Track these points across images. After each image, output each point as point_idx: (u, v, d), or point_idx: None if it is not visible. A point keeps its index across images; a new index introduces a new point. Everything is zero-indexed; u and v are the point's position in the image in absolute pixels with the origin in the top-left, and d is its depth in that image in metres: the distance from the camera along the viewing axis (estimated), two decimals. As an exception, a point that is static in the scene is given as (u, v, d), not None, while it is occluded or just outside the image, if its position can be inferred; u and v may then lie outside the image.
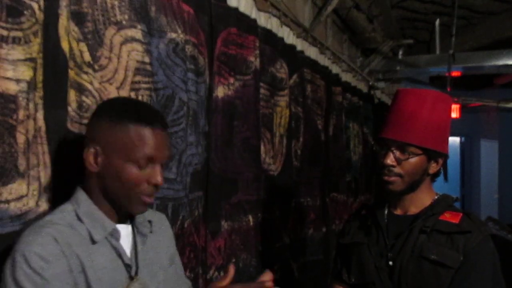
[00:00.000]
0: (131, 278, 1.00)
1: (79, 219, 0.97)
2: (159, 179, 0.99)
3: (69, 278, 0.90)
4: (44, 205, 1.08)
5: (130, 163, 0.96)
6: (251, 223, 2.05)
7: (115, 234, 1.00)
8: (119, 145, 0.96)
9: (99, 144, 0.97)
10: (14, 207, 1.02)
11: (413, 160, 1.27)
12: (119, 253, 1.00)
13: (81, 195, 1.00)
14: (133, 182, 0.97)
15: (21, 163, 1.04)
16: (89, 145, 0.98)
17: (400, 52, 4.95)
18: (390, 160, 1.27)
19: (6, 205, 1.00)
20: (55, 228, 0.92)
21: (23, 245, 0.88)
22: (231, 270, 1.06)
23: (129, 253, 1.03)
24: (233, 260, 1.92)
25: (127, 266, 1.01)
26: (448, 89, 4.40)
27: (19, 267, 0.86)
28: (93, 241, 0.96)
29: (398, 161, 1.27)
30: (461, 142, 8.13)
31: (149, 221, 1.10)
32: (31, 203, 1.06)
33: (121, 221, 1.04)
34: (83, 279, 0.92)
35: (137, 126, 0.96)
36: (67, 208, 0.99)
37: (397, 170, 1.27)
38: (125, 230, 1.04)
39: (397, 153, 1.27)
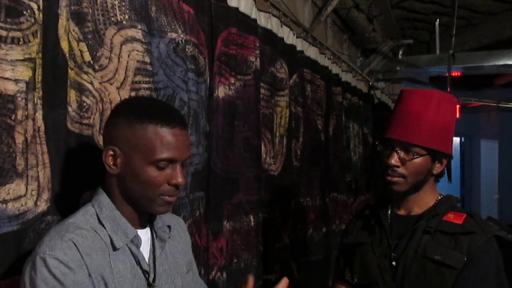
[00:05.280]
0: (150, 285, 0.98)
1: (101, 223, 0.95)
2: (179, 179, 0.96)
3: (89, 286, 0.88)
4: (42, 205, 1.07)
5: (150, 165, 0.93)
6: (252, 223, 2.05)
7: (136, 241, 0.98)
8: (138, 146, 0.93)
9: (117, 145, 0.94)
10: (12, 207, 1.01)
11: (418, 160, 1.26)
12: (138, 260, 0.97)
13: (103, 198, 0.97)
14: (153, 184, 0.94)
15: (20, 163, 1.03)
16: (107, 146, 0.95)
17: (400, 52, 4.95)
18: (394, 160, 1.26)
19: (4, 205, 0.99)
20: (78, 233, 0.90)
21: (44, 248, 0.86)
22: (251, 281, 1.04)
23: (147, 259, 1.01)
24: (235, 260, 1.91)
25: (145, 273, 0.98)
26: (448, 89, 4.39)
27: (38, 271, 0.84)
28: (114, 248, 0.94)
29: (403, 162, 1.26)
30: (461, 142, 8.14)
31: (168, 226, 1.07)
32: (30, 203, 1.05)
33: (141, 226, 1.02)
34: (103, 287, 0.90)
35: (156, 127, 0.93)
36: (89, 211, 0.96)
37: (401, 170, 1.26)
38: (144, 235, 1.02)
39: (402, 154, 1.26)
